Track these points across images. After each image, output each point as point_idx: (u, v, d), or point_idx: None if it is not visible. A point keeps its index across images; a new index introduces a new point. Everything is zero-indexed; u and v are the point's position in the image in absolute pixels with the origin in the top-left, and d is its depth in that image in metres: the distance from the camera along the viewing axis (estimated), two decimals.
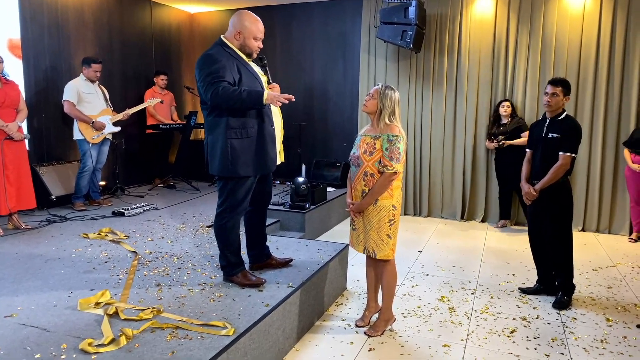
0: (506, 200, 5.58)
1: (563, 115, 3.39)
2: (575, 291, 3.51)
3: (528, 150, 3.61)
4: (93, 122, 4.94)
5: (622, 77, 5.21)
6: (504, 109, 5.39)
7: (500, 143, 5.30)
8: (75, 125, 4.96)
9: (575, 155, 3.32)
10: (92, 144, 4.98)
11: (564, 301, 3.42)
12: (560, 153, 3.30)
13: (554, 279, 3.57)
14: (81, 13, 5.63)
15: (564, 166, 3.29)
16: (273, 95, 2.69)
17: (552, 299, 3.51)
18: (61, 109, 5.02)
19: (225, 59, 2.75)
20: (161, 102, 5.98)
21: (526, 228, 3.77)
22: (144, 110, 6.24)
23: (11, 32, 4.90)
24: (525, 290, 3.68)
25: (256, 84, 2.85)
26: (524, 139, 5.16)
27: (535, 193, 3.42)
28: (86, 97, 4.97)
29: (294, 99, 2.75)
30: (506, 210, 5.62)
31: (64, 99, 4.89)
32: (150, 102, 5.65)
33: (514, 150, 5.24)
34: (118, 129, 5.19)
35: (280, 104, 2.72)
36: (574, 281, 3.50)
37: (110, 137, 5.22)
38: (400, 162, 2.77)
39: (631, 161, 4.92)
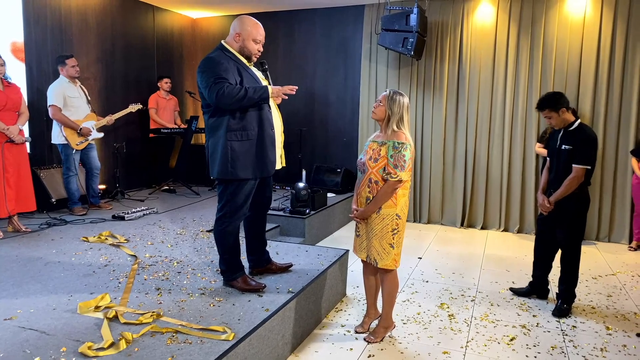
0: None
1: (575, 125, 3.28)
2: (575, 300, 3.51)
3: (548, 159, 3.54)
4: (81, 128, 4.82)
5: (622, 86, 5.23)
6: None
7: None
8: (56, 129, 4.81)
9: (589, 167, 3.22)
10: (76, 150, 4.85)
11: (564, 309, 3.41)
12: (573, 165, 3.21)
13: (546, 282, 3.64)
14: (84, 17, 5.66)
15: (577, 178, 3.21)
16: (277, 89, 2.80)
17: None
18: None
19: (226, 62, 2.77)
20: (143, 108, 5.64)
21: (527, 235, 3.79)
22: (145, 114, 6.27)
23: (15, 36, 4.93)
24: (515, 291, 3.73)
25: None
26: None
27: (549, 205, 3.36)
28: (72, 102, 4.82)
29: (296, 89, 2.86)
30: None
31: (49, 103, 4.72)
32: (132, 107, 5.37)
33: None
34: (102, 134, 5.10)
35: (286, 97, 2.83)
36: (575, 290, 3.51)
37: (94, 142, 5.09)
38: (406, 170, 2.74)
39: (639, 170, 4.91)
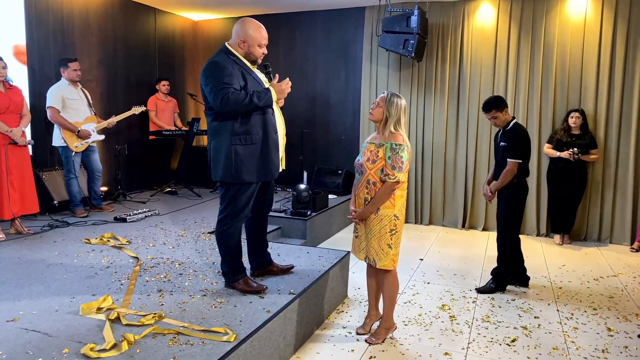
0: (570, 213, 5.32)
1: (510, 126, 3.72)
2: (506, 283, 3.82)
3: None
4: (79, 130, 4.80)
5: (623, 86, 5.23)
6: (573, 120, 5.13)
7: (575, 157, 5.01)
8: (56, 131, 4.82)
9: (519, 161, 3.63)
10: (75, 152, 4.85)
11: (488, 288, 3.82)
12: (507, 159, 3.65)
13: (523, 270, 3.95)
14: (86, 19, 5.68)
15: (510, 171, 3.64)
16: (279, 90, 2.85)
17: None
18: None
19: (231, 66, 2.78)
20: (145, 110, 5.66)
21: (528, 236, 3.89)
22: (147, 116, 6.28)
23: (17, 38, 4.95)
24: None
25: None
26: (595, 156, 5.17)
27: (490, 194, 3.83)
28: (71, 104, 4.81)
29: (290, 84, 2.92)
30: (568, 224, 5.37)
31: (47, 105, 4.73)
32: (135, 109, 5.39)
33: (582, 164, 5.16)
34: (102, 137, 5.09)
35: (288, 91, 2.89)
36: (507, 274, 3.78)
37: (95, 145, 5.09)
38: (403, 171, 2.76)
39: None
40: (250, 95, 2.71)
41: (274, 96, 2.81)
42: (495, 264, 3.90)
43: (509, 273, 3.85)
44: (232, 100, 2.67)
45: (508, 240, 3.80)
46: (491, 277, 3.88)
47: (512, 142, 3.64)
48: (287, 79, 2.91)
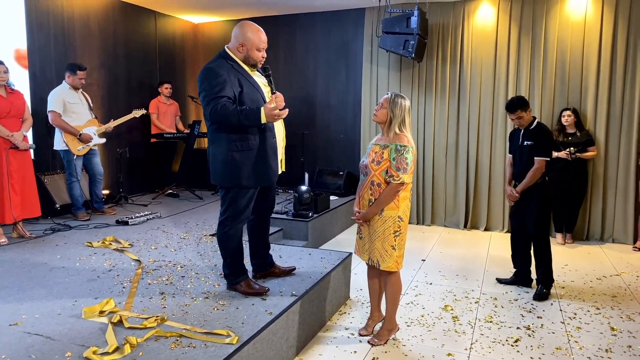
0: (572, 212, 5.31)
1: (534, 124, 3.74)
2: (552, 283, 3.78)
3: (509, 156, 3.97)
4: (80, 134, 4.82)
5: (624, 85, 5.23)
6: (565, 119, 5.16)
7: (573, 156, 5.03)
8: (58, 135, 4.83)
9: (547, 159, 3.66)
10: (77, 155, 4.87)
11: (543, 293, 3.69)
12: (535, 158, 3.64)
13: (528, 272, 3.93)
14: (87, 23, 5.69)
15: (539, 169, 3.63)
16: (271, 115, 2.66)
17: (548, 304, 3.56)
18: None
19: (226, 73, 2.74)
20: (147, 113, 5.71)
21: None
22: (148, 119, 6.29)
23: (18, 43, 4.96)
24: (501, 280, 4.03)
25: (258, 96, 2.84)
26: (592, 152, 5.17)
27: (516, 194, 3.75)
28: (72, 107, 4.82)
29: (286, 113, 2.72)
30: (570, 223, 5.36)
31: (49, 109, 4.74)
32: (136, 112, 5.41)
33: (582, 162, 5.17)
34: (104, 140, 5.10)
35: (280, 118, 2.73)
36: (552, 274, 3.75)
37: (96, 148, 5.11)
38: (408, 172, 2.75)
39: None
40: (239, 113, 2.65)
41: (264, 119, 2.67)
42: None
43: (551, 271, 3.76)
44: (220, 114, 2.66)
45: (543, 239, 3.73)
46: (539, 285, 3.76)
47: (540, 140, 3.65)
48: (283, 105, 2.71)
